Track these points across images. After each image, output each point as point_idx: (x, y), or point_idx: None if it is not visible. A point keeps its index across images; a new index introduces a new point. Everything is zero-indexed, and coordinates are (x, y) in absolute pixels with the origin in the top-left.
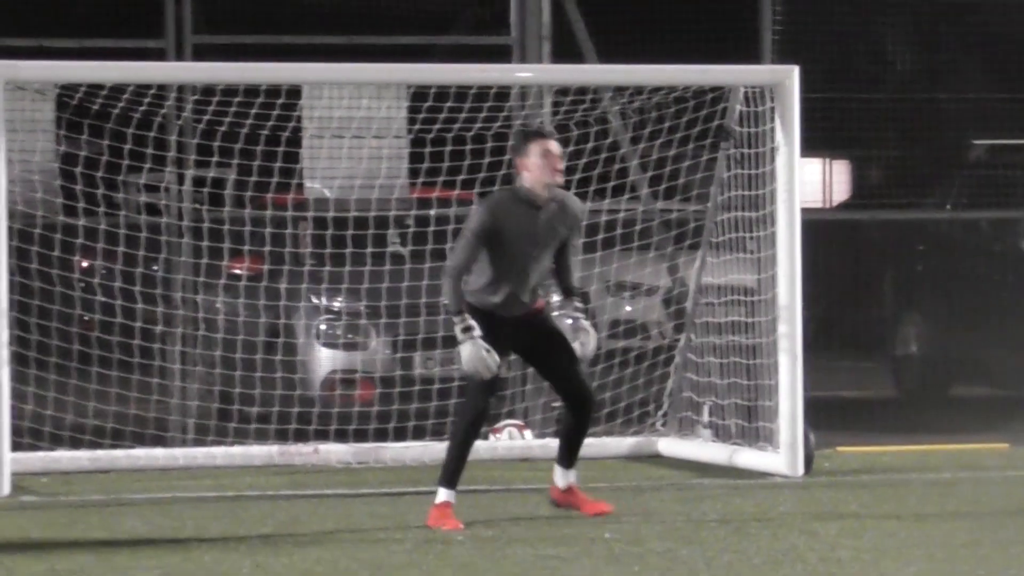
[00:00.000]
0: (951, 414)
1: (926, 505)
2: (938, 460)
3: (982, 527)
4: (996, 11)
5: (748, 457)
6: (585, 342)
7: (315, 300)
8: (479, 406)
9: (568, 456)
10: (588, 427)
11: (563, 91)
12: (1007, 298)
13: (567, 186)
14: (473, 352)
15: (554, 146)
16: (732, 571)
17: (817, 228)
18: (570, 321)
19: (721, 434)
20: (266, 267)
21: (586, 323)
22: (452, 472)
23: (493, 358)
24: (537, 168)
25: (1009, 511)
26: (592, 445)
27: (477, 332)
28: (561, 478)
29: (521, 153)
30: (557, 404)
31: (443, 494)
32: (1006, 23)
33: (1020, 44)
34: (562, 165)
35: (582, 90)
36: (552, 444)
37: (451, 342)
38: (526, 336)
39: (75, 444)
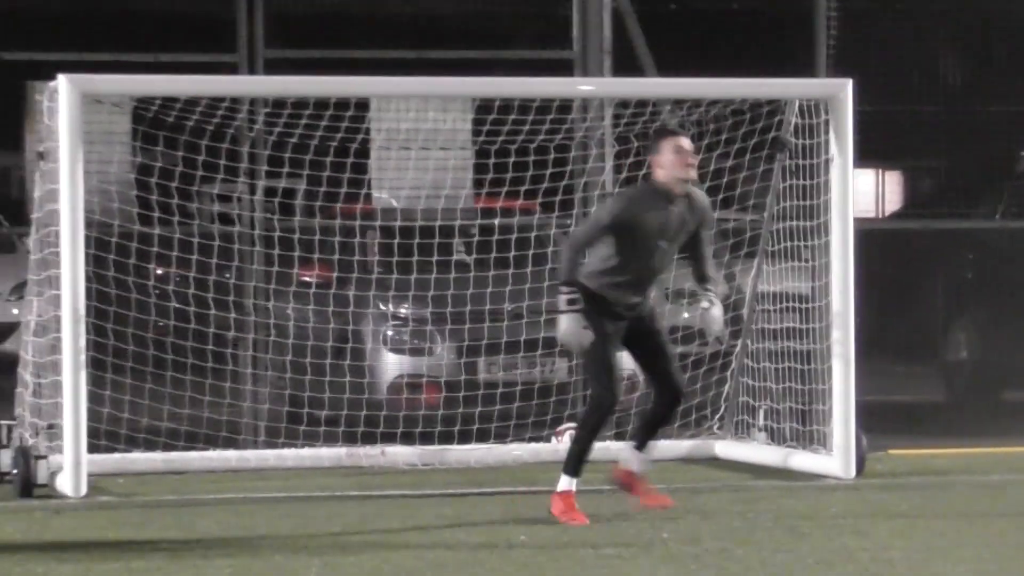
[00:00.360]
0: (1000, 418)
1: (975, 506)
2: (987, 463)
3: None
4: None
5: (802, 460)
6: (712, 325)
7: (383, 307)
8: (607, 395)
9: (643, 438)
10: (672, 421)
11: (623, 104)
12: None
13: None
14: (571, 325)
15: (685, 142)
16: (786, 570)
17: (870, 237)
18: (706, 304)
19: (776, 437)
20: (335, 275)
21: (717, 310)
22: (576, 460)
23: (588, 335)
24: (670, 164)
25: None
26: (649, 447)
27: (579, 306)
28: (633, 460)
29: (655, 151)
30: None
31: (564, 482)
32: None
33: None
34: (695, 160)
35: (642, 103)
36: (611, 446)
37: (514, 347)
38: (632, 329)
39: (150, 446)
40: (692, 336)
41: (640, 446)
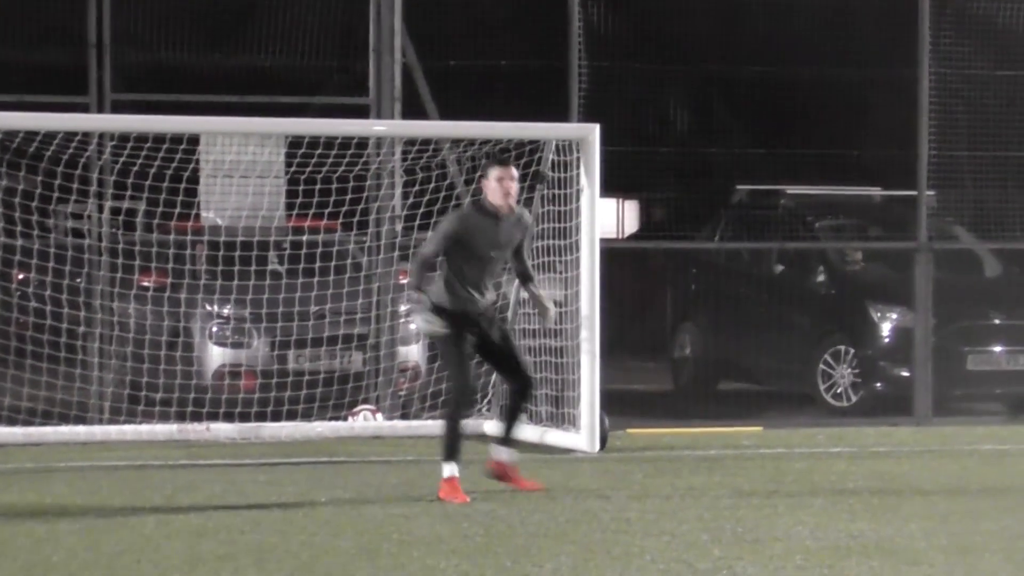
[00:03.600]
0: (716, 404)
1: (697, 476)
2: (706, 440)
3: (740, 493)
4: (756, 80)
5: (555, 437)
6: (545, 312)
7: (208, 307)
8: (461, 386)
9: (506, 430)
10: (523, 409)
11: (411, 142)
12: (763, 312)
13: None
14: (421, 319)
15: (506, 171)
16: (541, 528)
17: (612, 255)
18: (538, 292)
19: (534, 418)
20: (169, 280)
21: (547, 300)
22: (451, 448)
23: (441, 320)
24: (493, 189)
25: (762, 480)
26: (428, 425)
27: (426, 305)
28: (501, 452)
29: (483, 175)
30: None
31: (446, 469)
32: (764, 91)
33: (776, 109)
34: (514, 186)
35: (426, 141)
36: (396, 425)
37: (318, 342)
38: (479, 335)
39: (11, 422)
40: None
41: (504, 439)
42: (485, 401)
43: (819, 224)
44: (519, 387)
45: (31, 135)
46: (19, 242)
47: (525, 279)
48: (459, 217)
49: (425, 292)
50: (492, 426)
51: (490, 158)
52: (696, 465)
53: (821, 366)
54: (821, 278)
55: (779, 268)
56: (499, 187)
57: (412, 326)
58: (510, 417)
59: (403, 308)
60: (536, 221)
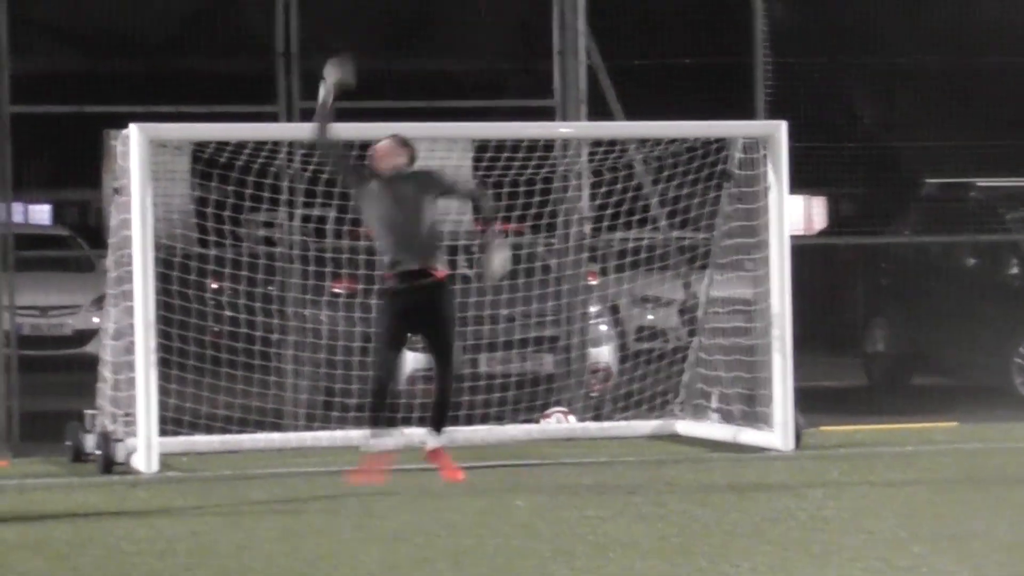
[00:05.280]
0: (911, 399)
1: (892, 472)
2: (901, 436)
3: (938, 489)
4: (943, 70)
5: (749, 435)
6: (501, 257)
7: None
8: (380, 380)
9: (441, 421)
10: (448, 397)
11: (597, 143)
12: (955, 305)
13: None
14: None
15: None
16: (737, 528)
17: (801, 251)
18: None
19: (727, 417)
20: (361, 286)
21: (496, 256)
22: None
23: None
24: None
25: (959, 477)
26: (621, 427)
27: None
28: (431, 439)
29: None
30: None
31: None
32: (952, 81)
33: (964, 99)
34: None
35: (612, 142)
36: (589, 427)
37: (509, 345)
38: (421, 308)
39: (209, 430)
40: (656, 335)
41: (436, 427)
42: (677, 401)
43: (1011, 216)
44: (441, 380)
45: (222, 145)
46: (212, 251)
47: (477, 211)
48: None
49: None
50: (683, 426)
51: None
52: (891, 461)
53: (1017, 360)
54: (1014, 270)
55: (971, 261)
56: (377, 155)
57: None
58: (438, 411)
59: (592, 309)
60: (724, 220)
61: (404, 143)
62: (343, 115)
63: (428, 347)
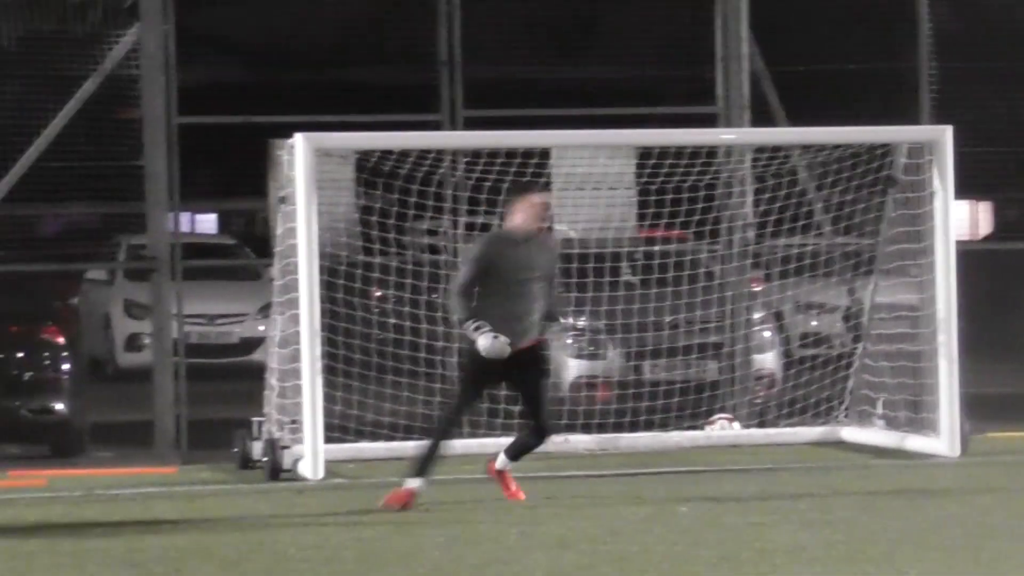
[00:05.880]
0: None
1: None
2: None
3: None
4: None
5: (915, 442)
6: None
7: (564, 320)
8: (455, 418)
9: (514, 453)
10: (536, 447)
11: (760, 149)
12: None
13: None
14: (487, 341)
15: (538, 199)
16: (903, 534)
17: (968, 257)
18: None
19: (892, 424)
20: None
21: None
22: (423, 466)
23: (505, 341)
24: (520, 215)
25: None
26: (785, 433)
27: (487, 328)
28: (501, 461)
29: (514, 202)
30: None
31: (414, 482)
32: None
33: None
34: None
35: (775, 148)
36: (754, 433)
37: (673, 352)
38: (519, 366)
39: (374, 437)
40: (820, 341)
41: (513, 457)
42: (842, 408)
43: None
44: (538, 431)
45: (386, 154)
46: (377, 259)
47: (548, 317)
48: (485, 241)
49: (474, 316)
50: (848, 433)
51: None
52: None
53: None
54: None
55: None
56: (531, 212)
57: (480, 347)
58: (520, 446)
59: (756, 316)
60: (889, 226)
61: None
62: (502, 123)
63: (525, 404)
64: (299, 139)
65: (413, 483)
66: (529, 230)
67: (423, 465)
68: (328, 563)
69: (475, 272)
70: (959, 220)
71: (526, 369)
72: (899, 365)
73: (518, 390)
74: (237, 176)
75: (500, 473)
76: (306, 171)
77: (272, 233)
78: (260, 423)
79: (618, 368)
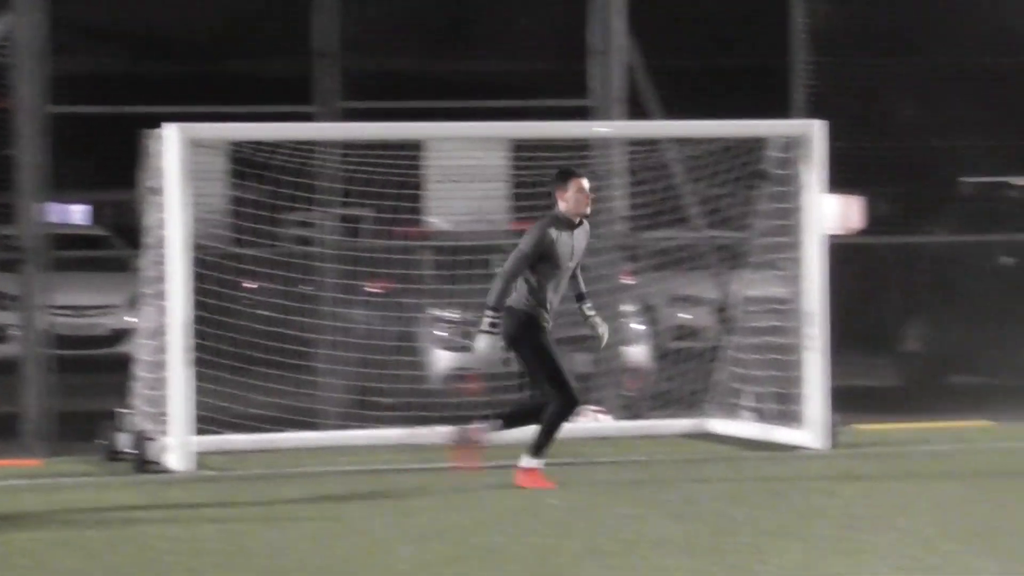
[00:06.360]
0: (946, 398)
1: (926, 471)
2: (935, 435)
3: (970, 488)
4: (981, 70)
5: (782, 434)
6: (599, 338)
7: (435, 312)
8: (569, 402)
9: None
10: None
11: (634, 143)
12: (991, 305)
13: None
14: (491, 344)
15: (586, 183)
16: (771, 525)
17: (837, 250)
18: (591, 314)
19: (761, 416)
20: (396, 286)
21: (600, 325)
22: (541, 446)
23: (502, 354)
24: (573, 200)
25: (991, 476)
26: (656, 425)
27: (498, 331)
28: (531, 463)
29: (560, 187)
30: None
31: (527, 462)
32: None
33: (1002, 99)
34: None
35: (649, 142)
36: (623, 425)
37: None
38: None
39: (243, 429)
40: (690, 333)
41: (507, 426)
42: (710, 399)
43: None
44: (566, 403)
45: (259, 145)
46: (248, 251)
47: (579, 298)
48: (540, 230)
49: (499, 315)
50: (717, 425)
51: (564, 171)
52: (924, 460)
53: None
54: None
55: (1007, 260)
56: (580, 197)
57: (477, 345)
58: (525, 413)
59: (627, 308)
60: (759, 219)
61: None
62: (377, 115)
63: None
64: (171, 129)
65: (533, 462)
66: (580, 214)
67: (540, 447)
68: (195, 556)
69: (529, 261)
70: (829, 214)
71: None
72: (768, 358)
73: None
74: (109, 167)
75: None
76: (177, 162)
77: (143, 224)
78: (128, 415)
79: (489, 360)
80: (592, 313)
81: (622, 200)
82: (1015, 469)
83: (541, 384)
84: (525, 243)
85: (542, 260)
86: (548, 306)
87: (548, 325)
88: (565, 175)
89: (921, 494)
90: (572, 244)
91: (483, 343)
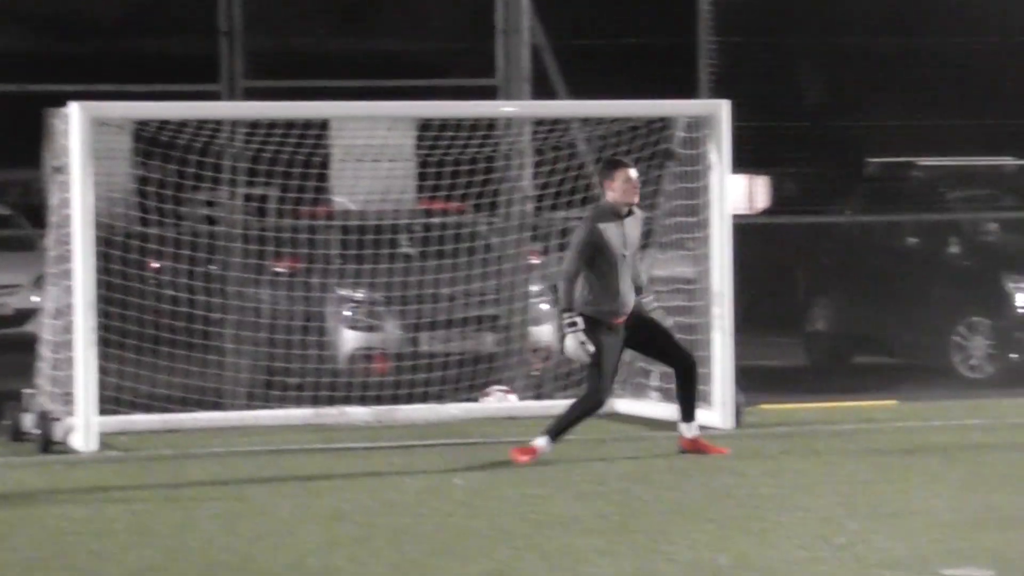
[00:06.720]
0: (851, 378)
1: (832, 450)
2: (841, 415)
3: (876, 467)
4: (888, 51)
5: None
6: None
7: (341, 291)
8: (598, 394)
9: (687, 412)
10: (695, 385)
11: (540, 122)
12: (897, 285)
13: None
14: (574, 342)
15: (633, 173)
16: (676, 505)
17: (743, 231)
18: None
19: (667, 396)
20: (302, 265)
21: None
22: (559, 432)
23: (589, 348)
24: (620, 190)
25: (897, 455)
26: (561, 405)
27: (580, 327)
28: (687, 431)
29: (608, 177)
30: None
31: (542, 441)
32: (896, 62)
33: (908, 80)
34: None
35: (555, 121)
36: (530, 405)
37: (449, 324)
38: (628, 330)
39: (149, 409)
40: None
41: (689, 419)
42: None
43: (952, 196)
44: (683, 369)
45: (164, 124)
46: (153, 230)
47: (637, 291)
48: (588, 224)
49: (578, 312)
50: (623, 405)
51: (611, 161)
52: (831, 440)
53: (955, 338)
54: (955, 249)
55: (912, 241)
56: (628, 187)
57: (566, 347)
58: (684, 397)
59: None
60: (666, 199)
61: None
62: (282, 94)
63: (659, 355)
64: (75, 108)
65: (542, 442)
66: (627, 204)
67: (559, 431)
68: (100, 536)
69: (583, 258)
70: (735, 194)
71: (637, 330)
72: (676, 338)
73: (642, 351)
74: (13, 146)
75: (694, 442)
76: (82, 141)
77: (47, 204)
78: (32, 395)
79: (395, 340)
80: (653, 308)
81: (528, 180)
82: (919, 447)
83: (589, 377)
84: (576, 239)
85: (596, 254)
86: (618, 302)
87: (619, 322)
88: (612, 165)
89: (827, 473)
90: (624, 233)
91: (568, 343)
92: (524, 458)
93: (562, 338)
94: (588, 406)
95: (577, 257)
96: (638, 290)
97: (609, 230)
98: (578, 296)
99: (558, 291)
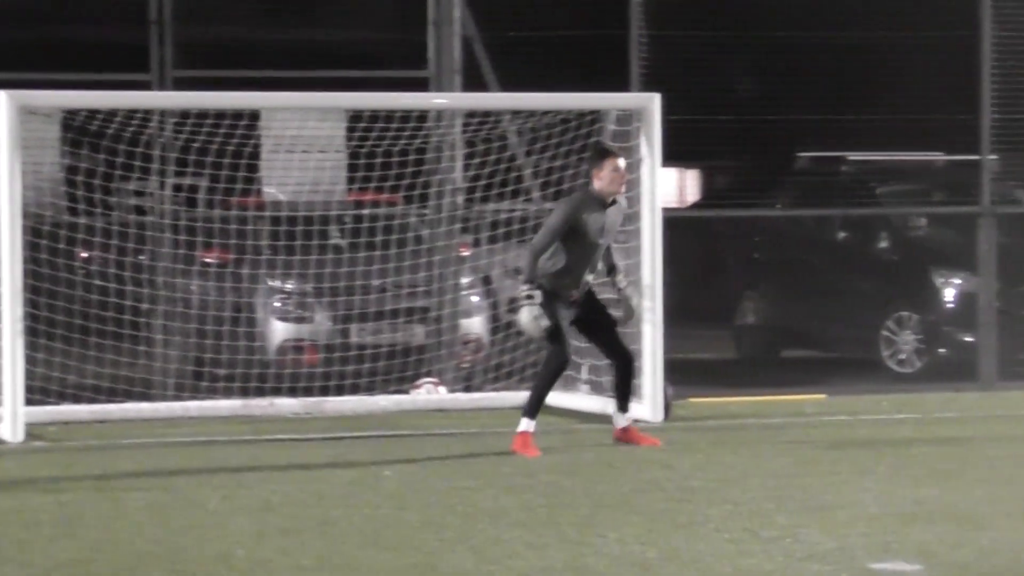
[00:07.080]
0: (780, 372)
1: (761, 443)
2: (769, 408)
3: (804, 461)
4: (818, 45)
5: None
6: (630, 311)
7: (271, 283)
8: (559, 354)
9: (622, 403)
10: (633, 378)
11: (471, 114)
12: (826, 279)
13: (473, 191)
14: (528, 315)
15: (622, 163)
16: (606, 498)
17: (674, 224)
18: (623, 287)
19: (596, 388)
20: (232, 256)
21: (633, 298)
22: (535, 406)
23: (543, 322)
24: (608, 179)
25: (826, 449)
26: (492, 397)
27: (537, 300)
28: (621, 421)
29: (596, 165)
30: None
31: (524, 423)
32: (826, 56)
33: (838, 74)
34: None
35: (486, 113)
36: (459, 397)
37: (380, 316)
38: (580, 311)
39: (77, 399)
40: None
41: (624, 410)
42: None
43: (881, 190)
44: (623, 364)
45: (93, 113)
46: (82, 220)
47: (611, 271)
48: (569, 206)
49: (538, 286)
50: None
51: (600, 150)
52: (760, 433)
53: (884, 332)
54: (884, 244)
55: (842, 235)
56: (616, 177)
57: (520, 318)
58: (620, 389)
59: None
60: None
61: None
62: (212, 84)
63: (600, 344)
64: (2, 96)
65: (525, 424)
66: (612, 194)
67: (536, 404)
68: (27, 527)
69: (556, 237)
70: (666, 187)
71: (587, 314)
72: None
73: (586, 335)
74: None
75: (625, 431)
76: (9, 129)
77: None
78: None
79: (325, 331)
80: (624, 285)
81: (459, 172)
82: (848, 441)
83: (548, 344)
84: (554, 218)
85: (572, 236)
86: (579, 282)
87: (575, 299)
88: (602, 154)
89: (756, 467)
90: (604, 221)
91: (523, 315)
92: (530, 451)
93: (516, 310)
94: (554, 367)
95: (550, 237)
96: (612, 269)
97: (591, 218)
98: (540, 269)
99: (524, 263)
